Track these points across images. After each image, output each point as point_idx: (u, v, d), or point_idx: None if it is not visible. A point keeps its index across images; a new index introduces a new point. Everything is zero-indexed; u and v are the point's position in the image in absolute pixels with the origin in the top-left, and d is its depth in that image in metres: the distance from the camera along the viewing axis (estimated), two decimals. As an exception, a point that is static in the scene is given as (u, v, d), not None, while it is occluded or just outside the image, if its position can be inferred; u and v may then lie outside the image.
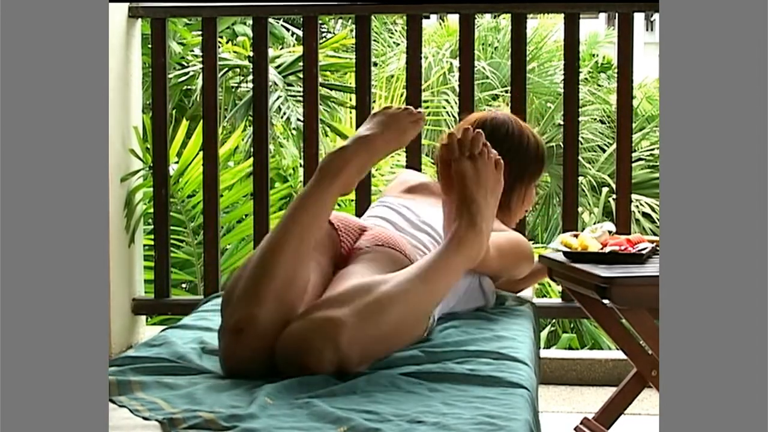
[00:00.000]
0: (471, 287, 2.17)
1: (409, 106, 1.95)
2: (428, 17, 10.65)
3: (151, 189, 3.55)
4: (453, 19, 9.49)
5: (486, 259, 1.99)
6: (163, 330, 2.10)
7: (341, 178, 1.81)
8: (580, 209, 5.55)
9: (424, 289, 1.77)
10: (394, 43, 9.21)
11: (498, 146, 2.00)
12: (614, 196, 3.43)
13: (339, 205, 4.19)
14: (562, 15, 3.40)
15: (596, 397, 3.15)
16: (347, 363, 1.66)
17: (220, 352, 1.75)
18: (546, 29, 9.34)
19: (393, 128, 1.90)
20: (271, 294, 1.69)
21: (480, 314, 2.16)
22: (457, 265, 1.83)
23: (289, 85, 5.75)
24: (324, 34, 8.11)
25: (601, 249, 2.49)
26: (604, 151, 8.08)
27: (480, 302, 2.21)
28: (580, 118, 5.34)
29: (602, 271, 2.35)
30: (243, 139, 5.58)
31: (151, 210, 3.60)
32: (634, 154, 6.07)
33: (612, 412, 2.63)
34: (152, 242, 3.66)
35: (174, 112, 5.95)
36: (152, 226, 3.69)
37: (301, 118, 3.89)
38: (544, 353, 3.44)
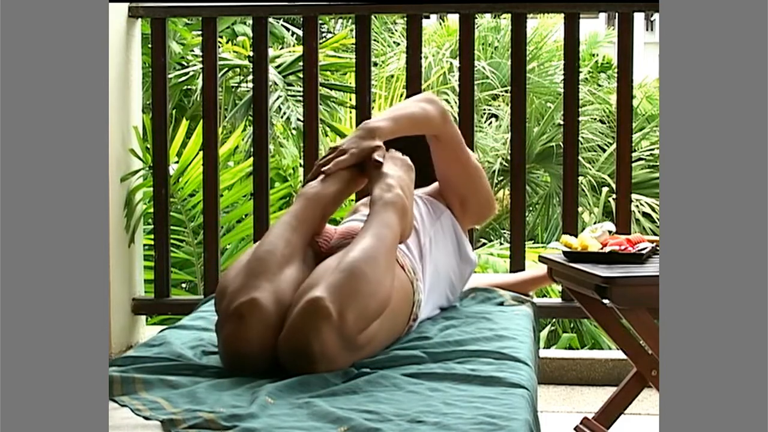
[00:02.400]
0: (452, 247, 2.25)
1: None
2: (428, 17, 10.66)
3: (151, 189, 3.54)
4: (453, 19, 9.48)
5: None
6: (161, 330, 2.10)
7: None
8: (580, 209, 5.55)
9: (380, 236, 1.85)
10: (394, 42, 9.21)
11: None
12: (614, 195, 3.43)
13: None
14: (562, 15, 3.40)
15: (596, 397, 3.15)
16: (347, 329, 1.69)
17: (221, 344, 1.77)
18: (546, 29, 9.34)
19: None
20: (268, 282, 1.76)
21: (479, 313, 2.17)
22: (390, 219, 1.91)
23: (289, 84, 5.74)
24: (324, 34, 8.11)
25: (601, 249, 2.49)
26: (604, 150, 8.07)
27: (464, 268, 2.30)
28: (580, 118, 5.34)
29: (602, 271, 2.35)
30: (243, 139, 5.58)
31: (151, 210, 3.59)
32: (634, 154, 6.07)
33: (612, 412, 2.63)
34: (152, 242, 3.66)
35: (174, 111, 5.94)
36: (152, 226, 3.69)
37: (301, 118, 3.89)
38: (544, 353, 3.44)
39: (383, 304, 1.78)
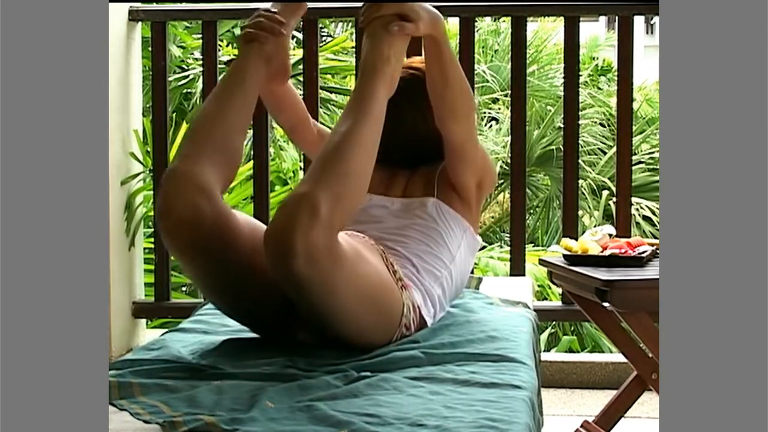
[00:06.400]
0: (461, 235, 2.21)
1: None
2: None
3: (152, 192, 3.55)
4: (453, 22, 9.48)
5: (473, 106, 2.12)
6: (162, 334, 2.10)
7: (262, 49, 2.00)
8: (580, 212, 5.54)
9: (364, 123, 1.83)
10: (394, 46, 9.19)
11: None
12: (614, 199, 3.43)
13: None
14: (562, 18, 3.40)
15: (596, 400, 3.15)
16: (332, 229, 1.69)
17: (156, 214, 1.83)
18: (546, 32, 9.34)
19: None
20: (197, 152, 1.84)
21: (468, 313, 2.16)
22: (380, 89, 1.88)
23: (289, 88, 5.74)
24: (324, 38, 8.11)
25: (602, 252, 2.49)
26: (604, 154, 8.07)
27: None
28: (580, 121, 5.34)
29: (602, 274, 2.35)
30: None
31: (152, 213, 3.60)
32: (634, 157, 6.07)
33: (612, 415, 2.63)
34: (152, 245, 3.66)
35: (174, 115, 5.94)
36: (152, 230, 3.69)
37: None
38: (545, 356, 3.44)
39: (363, 195, 1.83)
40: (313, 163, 1.79)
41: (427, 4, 1.99)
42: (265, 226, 1.86)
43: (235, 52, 6.13)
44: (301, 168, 5.07)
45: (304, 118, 2.34)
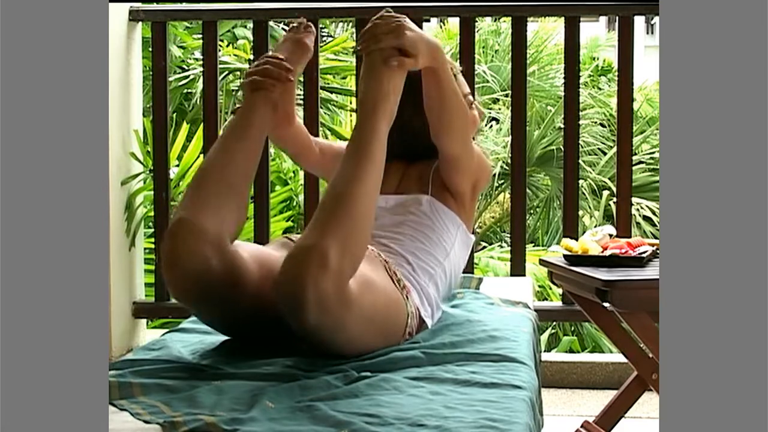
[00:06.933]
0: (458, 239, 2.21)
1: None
2: (429, 20, 10.65)
3: (152, 192, 3.55)
4: (453, 23, 9.50)
5: (468, 122, 2.14)
6: (163, 334, 2.10)
7: (269, 97, 1.97)
8: (580, 212, 5.54)
9: (366, 168, 1.81)
10: (394, 46, 9.19)
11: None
12: (615, 199, 3.43)
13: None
14: (563, 18, 3.40)
15: (597, 401, 3.15)
16: (342, 277, 1.68)
17: (162, 265, 1.81)
18: (546, 32, 9.33)
19: (291, 42, 2.12)
20: (203, 201, 1.82)
21: (469, 313, 2.16)
22: (380, 127, 1.86)
23: (290, 88, 5.73)
24: (324, 38, 8.11)
25: (602, 252, 2.49)
26: (604, 154, 8.07)
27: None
28: (581, 122, 5.35)
29: (603, 274, 2.35)
30: (243, 143, 5.57)
31: (152, 213, 3.60)
32: (634, 158, 6.07)
33: (612, 415, 2.63)
34: (153, 246, 3.66)
35: (174, 115, 5.94)
36: (153, 230, 3.69)
37: (302, 121, 3.89)
38: (545, 356, 3.44)
39: (368, 240, 1.80)
40: (318, 211, 1.76)
41: (426, 34, 1.98)
42: (271, 253, 1.87)
43: (236, 52, 6.14)
44: (300, 168, 5.06)
45: (308, 146, 2.33)
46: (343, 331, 1.74)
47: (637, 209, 7.01)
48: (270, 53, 2.10)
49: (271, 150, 4.71)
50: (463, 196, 2.24)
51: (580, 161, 3.52)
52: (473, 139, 2.29)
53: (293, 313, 1.68)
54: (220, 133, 2.03)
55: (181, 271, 1.78)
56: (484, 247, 6.28)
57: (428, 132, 2.14)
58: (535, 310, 2.34)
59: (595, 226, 3.49)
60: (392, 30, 1.91)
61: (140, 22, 3.60)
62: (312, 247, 1.67)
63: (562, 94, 3.48)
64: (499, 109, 8.78)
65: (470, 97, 2.36)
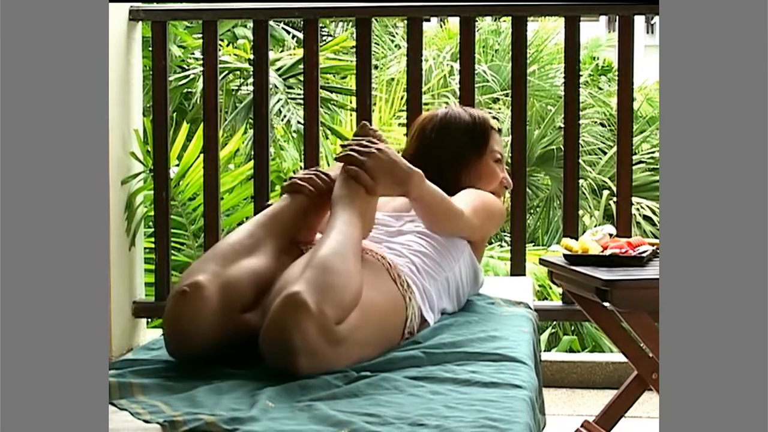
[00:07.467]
0: (467, 264, 2.25)
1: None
2: (429, 20, 10.65)
3: (152, 192, 3.55)
4: (453, 22, 9.49)
5: (464, 220, 2.19)
6: (163, 334, 2.09)
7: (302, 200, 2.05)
8: (580, 212, 5.54)
9: (344, 232, 1.89)
10: (395, 45, 9.21)
11: (429, 136, 2.38)
12: (615, 199, 3.43)
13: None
14: (563, 18, 3.40)
15: (597, 400, 3.15)
16: (326, 320, 1.69)
17: (165, 319, 1.82)
18: (546, 32, 9.33)
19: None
20: (219, 267, 1.84)
21: (470, 314, 2.16)
22: (352, 218, 1.94)
23: (290, 87, 5.74)
24: (325, 37, 8.11)
25: (602, 252, 2.49)
26: (604, 153, 8.08)
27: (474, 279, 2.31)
28: (581, 121, 5.35)
29: (603, 273, 2.35)
30: (243, 142, 5.58)
31: (152, 213, 3.60)
32: (634, 157, 6.07)
33: (613, 414, 2.63)
34: (153, 245, 3.66)
35: (174, 115, 5.95)
36: (153, 229, 3.69)
37: (302, 121, 3.90)
38: (545, 356, 3.44)
39: (356, 294, 1.80)
40: (298, 267, 1.82)
41: (402, 163, 2.05)
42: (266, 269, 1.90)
43: (236, 52, 6.15)
44: (301, 168, 5.06)
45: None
46: (337, 365, 1.76)
47: (637, 209, 7.01)
48: (321, 168, 2.16)
49: (271, 150, 4.71)
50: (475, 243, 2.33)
51: (580, 161, 3.52)
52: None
53: (284, 361, 1.69)
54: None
55: (183, 337, 1.79)
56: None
57: (443, 173, 2.28)
58: (535, 310, 2.34)
59: (595, 226, 3.49)
60: (361, 153, 2.02)
61: (140, 22, 3.60)
62: (290, 296, 1.69)
63: (562, 93, 3.48)
64: (499, 108, 8.78)
65: (503, 175, 2.48)
